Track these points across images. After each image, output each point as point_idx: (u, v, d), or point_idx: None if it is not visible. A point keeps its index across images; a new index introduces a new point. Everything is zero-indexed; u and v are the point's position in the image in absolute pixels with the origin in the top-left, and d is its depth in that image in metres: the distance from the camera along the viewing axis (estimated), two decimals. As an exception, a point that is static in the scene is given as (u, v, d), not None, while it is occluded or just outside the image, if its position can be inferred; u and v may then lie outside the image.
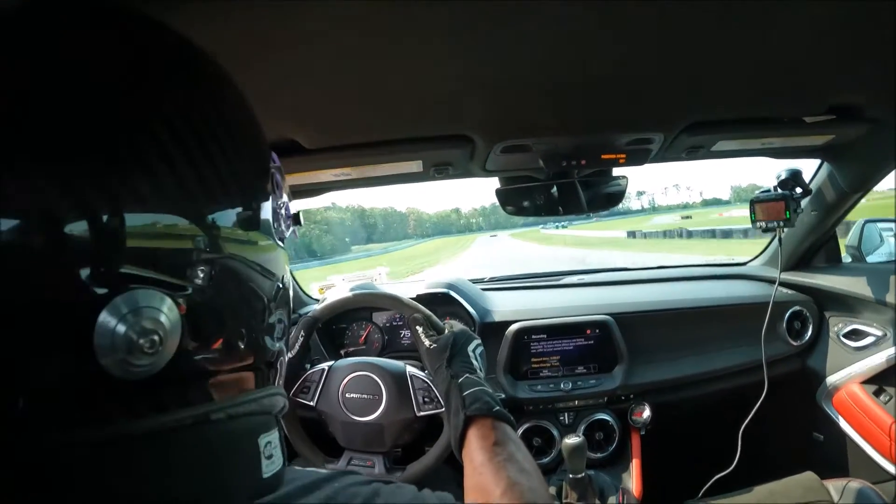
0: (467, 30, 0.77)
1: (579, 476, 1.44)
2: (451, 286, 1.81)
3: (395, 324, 1.81)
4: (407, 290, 1.79)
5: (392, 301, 1.23)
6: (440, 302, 1.76)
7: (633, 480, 1.60)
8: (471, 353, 1.03)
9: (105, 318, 0.35)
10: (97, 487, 0.36)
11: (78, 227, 0.35)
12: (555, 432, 1.67)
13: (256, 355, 0.48)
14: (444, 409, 1.14)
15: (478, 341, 1.08)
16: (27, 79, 0.36)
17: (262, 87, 0.85)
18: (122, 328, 0.35)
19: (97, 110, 0.37)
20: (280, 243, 0.51)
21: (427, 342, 1.07)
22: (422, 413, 1.17)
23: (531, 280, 2.28)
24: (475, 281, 2.15)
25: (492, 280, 2.29)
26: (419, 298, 1.64)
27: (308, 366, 1.28)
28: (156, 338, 0.37)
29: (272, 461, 0.45)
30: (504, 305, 1.85)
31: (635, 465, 1.64)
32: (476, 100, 1.05)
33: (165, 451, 0.39)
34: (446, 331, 1.09)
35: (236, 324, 0.46)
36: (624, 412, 1.71)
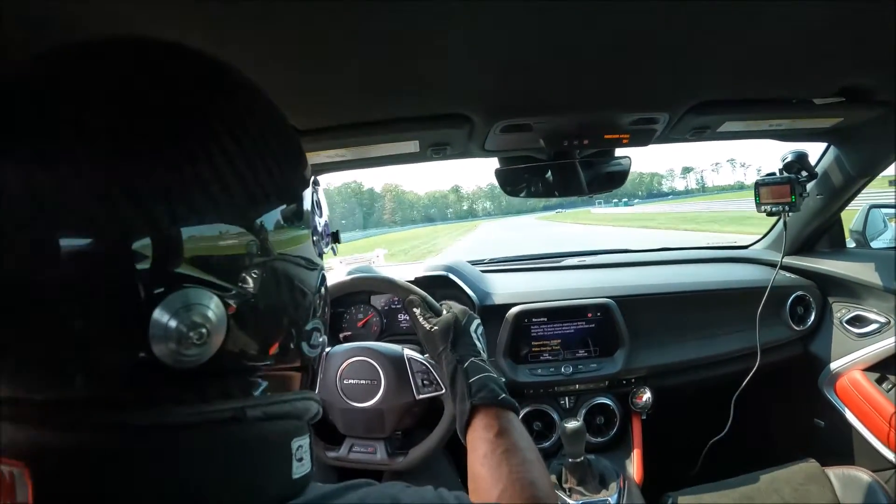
0: (466, 4, 0.74)
1: (578, 460, 1.44)
2: (449, 269, 1.79)
3: (393, 307, 1.79)
4: (405, 272, 1.78)
5: (388, 284, 1.21)
6: (439, 285, 1.74)
7: (633, 465, 1.59)
8: (473, 334, 1.02)
9: (159, 312, 0.39)
10: (137, 472, 0.39)
11: (143, 237, 0.39)
12: (555, 416, 1.67)
13: (294, 357, 0.52)
14: (444, 392, 1.13)
15: (478, 320, 1.07)
16: (102, 107, 0.40)
17: (251, 66, 0.83)
18: (173, 322, 0.39)
19: (164, 133, 0.41)
20: (319, 259, 0.55)
21: (427, 325, 1.04)
22: (421, 396, 1.16)
23: (531, 262, 2.26)
24: (474, 262, 2.13)
25: (491, 261, 2.27)
26: (417, 281, 1.63)
27: None
28: (203, 330, 0.40)
29: (302, 464, 0.47)
30: (504, 288, 1.83)
31: (636, 450, 1.63)
32: (475, 77, 1.02)
33: (204, 441, 0.41)
34: (444, 312, 1.07)
35: (277, 326, 0.49)
36: (625, 396, 1.70)
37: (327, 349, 1.25)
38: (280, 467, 0.45)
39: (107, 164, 0.38)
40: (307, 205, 0.52)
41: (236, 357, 0.45)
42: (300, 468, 0.47)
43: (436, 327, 1.03)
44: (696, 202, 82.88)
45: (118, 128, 0.39)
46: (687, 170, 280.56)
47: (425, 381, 1.16)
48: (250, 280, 0.45)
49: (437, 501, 0.55)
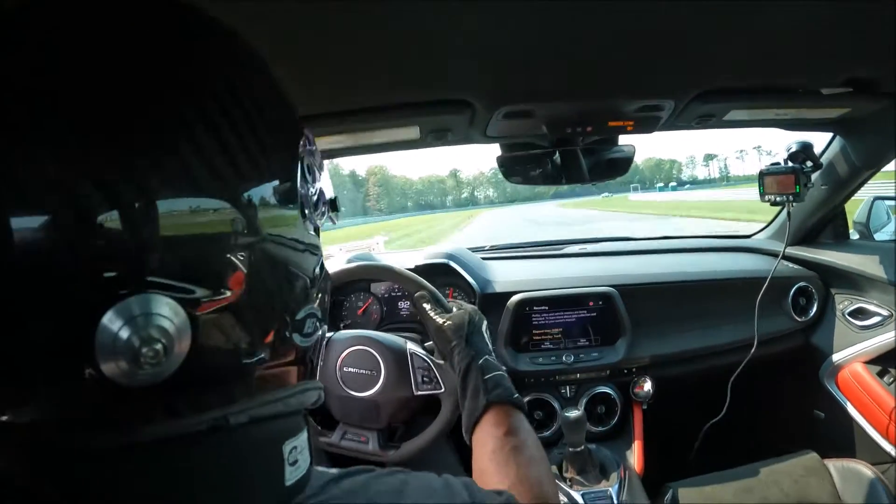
0: None
1: (579, 450, 1.44)
2: (450, 256, 1.78)
3: (393, 295, 1.79)
4: (404, 260, 1.77)
5: (397, 276, 1.20)
6: (439, 272, 1.73)
7: (634, 455, 1.59)
8: (485, 334, 1.04)
9: (110, 318, 0.33)
10: (110, 497, 0.35)
11: (103, 213, 0.33)
12: (556, 405, 1.67)
13: (285, 352, 0.46)
14: (442, 391, 1.12)
15: (486, 321, 1.08)
16: (45, 61, 0.35)
17: None
18: (125, 333, 0.34)
19: (122, 92, 0.35)
20: (314, 236, 0.49)
21: (439, 319, 1.04)
22: (419, 392, 1.15)
23: (533, 249, 2.26)
24: (475, 249, 2.12)
25: (492, 248, 2.26)
26: (417, 269, 1.62)
27: None
28: (158, 347, 0.34)
29: (297, 466, 0.43)
30: (505, 276, 1.82)
31: (637, 440, 1.63)
32: (477, 62, 1.00)
33: (180, 459, 0.37)
34: (454, 309, 1.07)
35: (265, 319, 0.43)
36: (626, 386, 1.70)
37: (329, 334, 1.24)
38: (271, 476, 0.41)
39: (59, 131, 0.33)
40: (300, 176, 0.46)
41: (211, 364, 0.39)
42: (294, 472, 0.42)
43: (448, 322, 1.03)
44: (739, 189, 73.70)
45: (73, 87, 0.34)
46: (710, 157, 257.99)
47: (425, 378, 1.16)
48: (233, 268, 0.39)
49: (444, 486, 0.54)
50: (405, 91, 1.13)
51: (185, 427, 0.37)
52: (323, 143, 1.35)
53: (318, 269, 0.50)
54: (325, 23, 0.79)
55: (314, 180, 0.48)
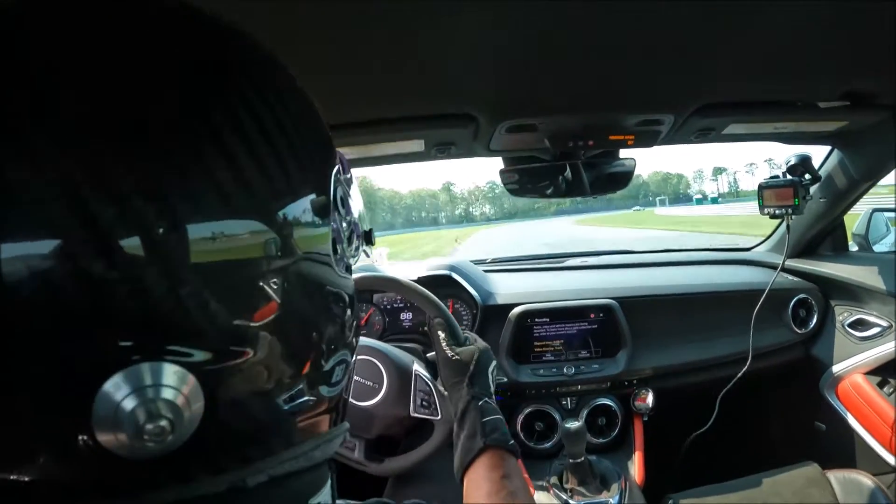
0: (472, 5, 0.74)
1: (579, 461, 1.44)
2: (452, 268, 1.79)
3: (395, 306, 1.79)
4: (407, 271, 1.77)
5: (421, 297, 1.18)
6: (442, 284, 1.74)
7: (635, 466, 1.59)
8: (490, 375, 1.04)
9: (114, 385, 0.29)
10: None
11: (129, 244, 0.29)
12: (557, 417, 1.67)
13: (313, 403, 0.41)
14: (438, 418, 1.13)
15: (495, 363, 1.08)
16: (64, 68, 0.30)
17: None
18: (130, 403, 0.29)
19: (148, 100, 0.32)
20: (346, 273, 0.44)
21: (449, 352, 1.05)
22: (415, 414, 1.15)
23: (534, 262, 2.27)
24: (477, 262, 2.13)
25: (494, 261, 2.27)
26: (420, 280, 1.62)
27: None
28: (164, 423, 0.30)
29: None
30: (507, 288, 1.83)
31: (637, 452, 1.63)
32: (481, 77, 1.02)
33: None
34: (467, 343, 1.08)
35: (288, 373, 0.38)
36: (627, 397, 1.70)
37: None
38: None
39: (76, 146, 0.29)
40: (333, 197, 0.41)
41: (226, 428, 0.35)
42: None
43: (457, 357, 1.03)
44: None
45: (93, 93, 0.30)
46: (719, 171, 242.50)
47: (424, 402, 1.15)
48: (262, 321, 0.35)
49: None
50: (410, 104, 1.15)
51: (200, 490, 0.33)
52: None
53: (349, 313, 0.45)
54: (330, 36, 0.80)
55: (347, 212, 0.44)
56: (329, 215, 0.40)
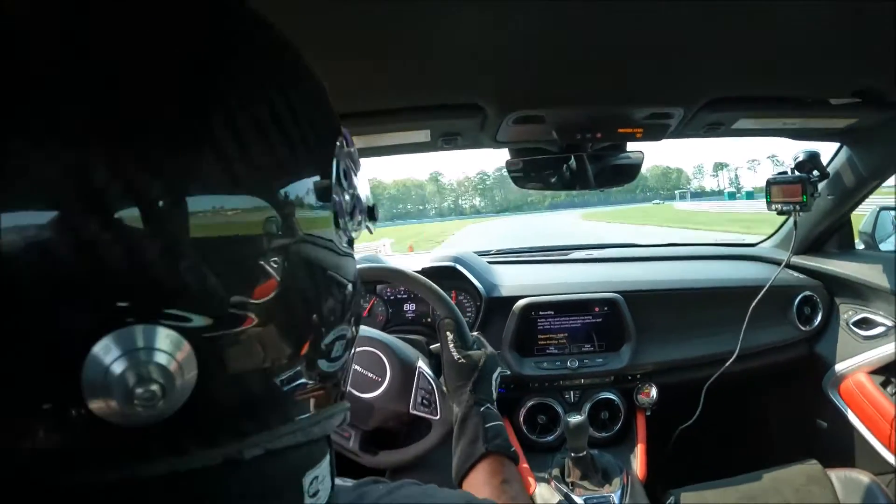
0: None
1: (582, 455, 1.44)
2: (457, 259, 1.79)
3: (399, 297, 1.79)
4: (411, 263, 1.77)
5: (432, 294, 1.17)
6: (446, 275, 1.73)
7: (637, 461, 1.59)
8: (494, 382, 1.04)
9: (103, 347, 0.29)
10: None
11: (127, 214, 0.29)
12: (560, 410, 1.66)
13: (310, 377, 0.40)
14: (436, 418, 1.13)
15: (500, 369, 1.09)
16: (66, 41, 0.30)
17: None
18: (118, 367, 0.29)
19: (150, 74, 0.31)
20: (349, 247, 0.44)
21: (456, 354, 1.06)
22: (413, 412, 1.15)
23: (539, 254, 2.26)
24: (481, 253, 2.12)
25: (498, 252, 2.26)
26: (425, 272, 1.62)
27: None
28: (155, 388, 0.29)
29: (317, 497, 0.40)
30: (511, 280, 1.83)
31: (640, 446, 1.64)
32: (490, 67, 1.01)
33: (191, 495, 0.33)
34: (475, 347, 1.09)
35: (286, 345, 0.37)
36: (630, 392, 1.70)
37: None
38: None
39: (77, 123, 0.29)
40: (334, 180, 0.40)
41: (222, 399, 0.34)
42: (315, 501, 0.39)
43: (463, 360, 1.04)
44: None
45: (94, 66, 0.30)
46: (720, 166, 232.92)
47: (424, 401, 1.15)
48: (261, 287, 0.34)
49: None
50: (418, 94, 1.14)
51: (194, 463, 0.32)
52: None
53: (351, 287, 0.44)
54: (338, 25, 0.80)
55: (350, 185, 0.43)
56: (331, 191, 0.40)
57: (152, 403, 0.29)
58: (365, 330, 1.23)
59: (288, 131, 0.36)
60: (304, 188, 0.37)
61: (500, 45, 0.91)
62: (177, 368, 0.30)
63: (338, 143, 0.42)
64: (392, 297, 1.79)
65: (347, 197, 0.42)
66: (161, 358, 0.29)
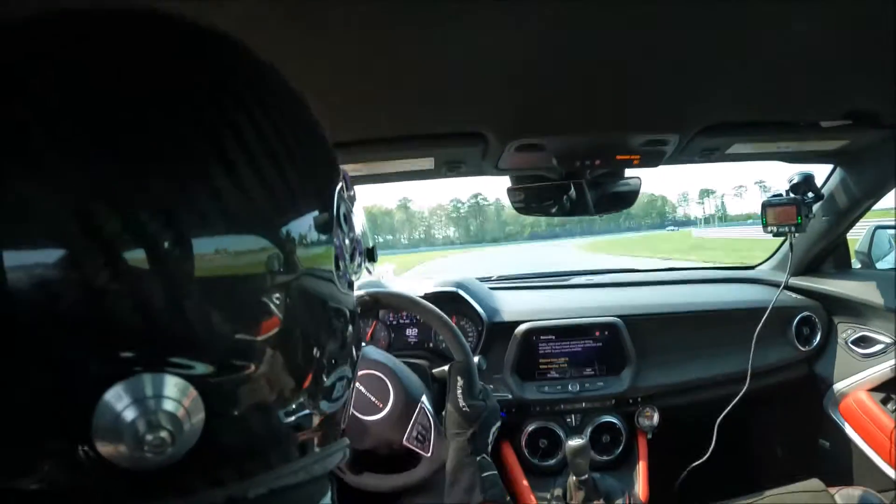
0: (483, 26, 0.76)
1: (583, 478, 1.44)
2: (459, 285, 1.80)
3: (401, 322, 1.80)
4: (414, 287, 1.78)
5: (449, 334, 1.18)
6: (448, 300, 1.74)
7: (639, 484, 1.59)
8: (491, 434, 1.07)
9: (115, 395, 0.29)
10: None
11: (133, 256, 0.29)
12: (561, 434, 1.66)
13: (312, 418, 0.41)
14: (427, 455, 1.13)
15: (499, 423, 1.12)
16: (63, 79, 0.31)
17: None
18: (130, 414, 0.29)
19: (161, 121, 0.32)
20: (348, 289, 0.43)
21: (461, 401, 1.08)
22: (406, 444, 1.15)
23: (539, 280, 2.27)
24: (482, 279, 2.13)
25: (499, 279, 2.27)
26: (427, 297, 1.62)
27: None
28: (164, 435, 0.30)
29: None
30: (512, 305, 1.84)
31: (642, 469, 1.63)
32: (491, 96, 1.04)
33: None
34: (481, 397, 1.10)
35: (289, 388, 0.38)
36: (631, 415, 1.70)
37: (362, 345, 1.24)
38: None
39: (83, 164, 0.29)
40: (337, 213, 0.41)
41: (227, 441, 0.35)
42: None
43: (467, 409, 1.06)
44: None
45: (98, 120, 0.30)
46: (706, 193, 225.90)
47: (420, 436, 1.14)
48: (264, 335, 0.35)
49: None
50: (422, 123, 1.16)
51: (199, 502, 0.33)
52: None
53: (351, 329, 0.44)
54: (343, 54, 0.81)
55: (350, 229, 0.43)
56: (332, 232, 0.40)
57: (162, 449, 0.30)
58: (373, 352, 1.24)
59: (288, 170, 0.37)
60: (305, 225, 0.37)
61: (501, 74, 0.93)
62: (184, 414, 0.31)
63: (339, 186, 0.42)
64: (394, 322, 1.80)
65: (347, 241, 0.42)
66: (170, 405, 0.30)
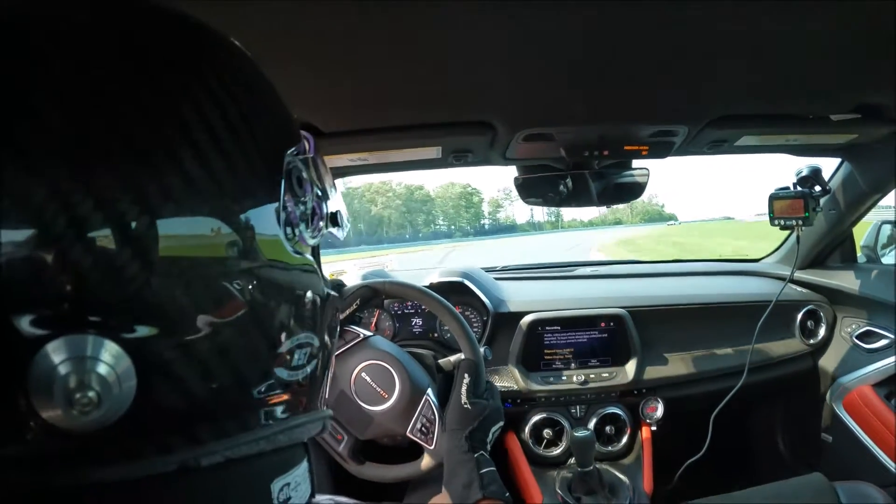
0: (494, 15, 0.76)
1: (588, 469, 1.44)
2: (465, 275, 1.80)
3: (406, 311, 1.80)
4: (420, 278, 1.78)
5: (460, 331, 1.18)
6: (454, 290, 1.74)
7: (643, 476, 1.59)
8: (491, 434, 1.07)
9: (54, 350, 0.30)
10: None
11: (100, 234, 0.30)
12: (566, 424, 1.66)
13: (267, 387, 0.40)
14: (429, 448, 1.14)
15: (501, 423, 1.12)
16: (33, 66, 0.31)
17: (277, 68, 0.84)
18: (63, 369, 0.30)
19: (116, 97, 0.33)
20: (303, 254, 0.43)
21: (464, 398, 1.08)
22: (410, 436, 1.15)
23: (545, 270, 2.27)
24: (488, 270, 2.13)
25: (505, 269, 2.27)
26: (433, 286, 1.63)
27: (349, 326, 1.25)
28: (91, 395, 0.30)
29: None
30: (518, 296, 1.84)
31: (646, 461, 1.64)
32: (501, 86, 1.04)
33: (148, 502, 0.33)
34: (485, 396, 1.11)
35: (243, 351, 0.37)
36: (635, 406, 1.71)
37: (369, 334, 1.24)
38: None
39: (53, 142, 0.30)
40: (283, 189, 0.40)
41: (173, 407, 0.34)
42: None
43: (469, 406, 1.07)
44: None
45: (66, 96, 0.31)
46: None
47: (423, 428, 1.15)
48: (212, 301, 0.35)
49: None
50: (430, 111, 1.16)
51: (148, 469, 0.32)
52: (344, 159, 1.37)
53: (308, 294, 0.43)
54: (353, 44, 0.81)
55: (304, 193, 0.43)
56: (277, 195, 0.39)
57: (88, 409, 0.30)
58: (381, 342, 1.24)
59: (236, 132, 0.37)
60: (249, 188, 0.38)
61: (511, 63, 0.93)
62: (115, 380, 0.31)
63: (291, 151, 0.42)
64: (399, 312, 1.80)
65: (301, 205, 0.42)
66: (102, 368, 0.30)
